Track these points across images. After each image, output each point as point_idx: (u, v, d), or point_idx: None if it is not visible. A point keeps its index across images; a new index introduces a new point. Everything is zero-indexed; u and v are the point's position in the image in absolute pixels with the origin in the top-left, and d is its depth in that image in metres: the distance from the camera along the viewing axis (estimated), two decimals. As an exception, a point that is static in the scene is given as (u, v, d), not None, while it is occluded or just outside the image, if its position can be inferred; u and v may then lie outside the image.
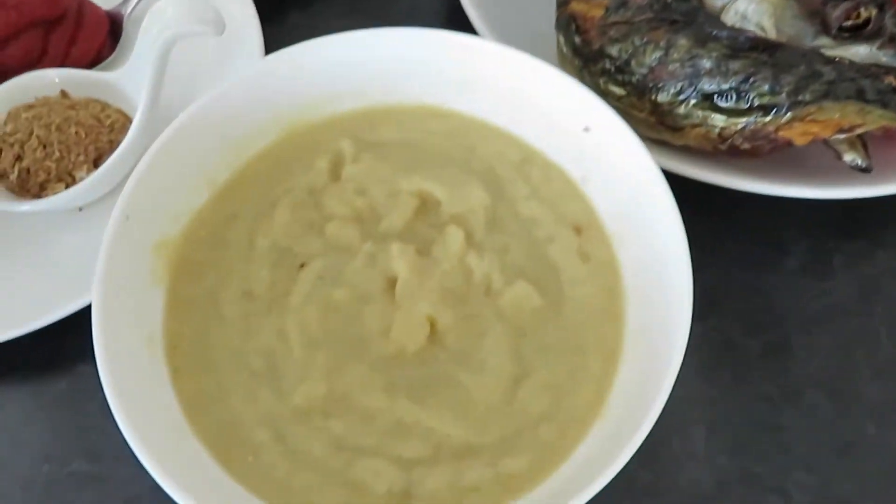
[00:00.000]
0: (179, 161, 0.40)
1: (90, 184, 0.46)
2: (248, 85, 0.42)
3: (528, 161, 0.43)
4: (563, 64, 0.47)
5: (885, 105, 0.40)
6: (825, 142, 0.42)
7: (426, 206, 0.42)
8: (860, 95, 0.40)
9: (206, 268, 0.40)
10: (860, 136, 0.42)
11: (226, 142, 0.42)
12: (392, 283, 0.39)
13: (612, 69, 0.44)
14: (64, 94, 0.50)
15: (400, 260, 0.39)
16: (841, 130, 0.40)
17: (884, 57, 0.42)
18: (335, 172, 0.43)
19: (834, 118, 0.40)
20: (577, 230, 0.41)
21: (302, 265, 0.40)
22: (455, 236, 0.40)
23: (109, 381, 0.33)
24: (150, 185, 0.39)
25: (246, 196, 0.42)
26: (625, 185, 0.40)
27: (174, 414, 0.37)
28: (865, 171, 0.42)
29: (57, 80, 0.50)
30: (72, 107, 0.49)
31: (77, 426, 0.45)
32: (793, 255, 0.48)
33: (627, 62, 0.44)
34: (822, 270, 0.48)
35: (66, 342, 0.47)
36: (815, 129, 0.40)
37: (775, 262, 0.48)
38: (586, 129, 0.41)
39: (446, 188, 0.41)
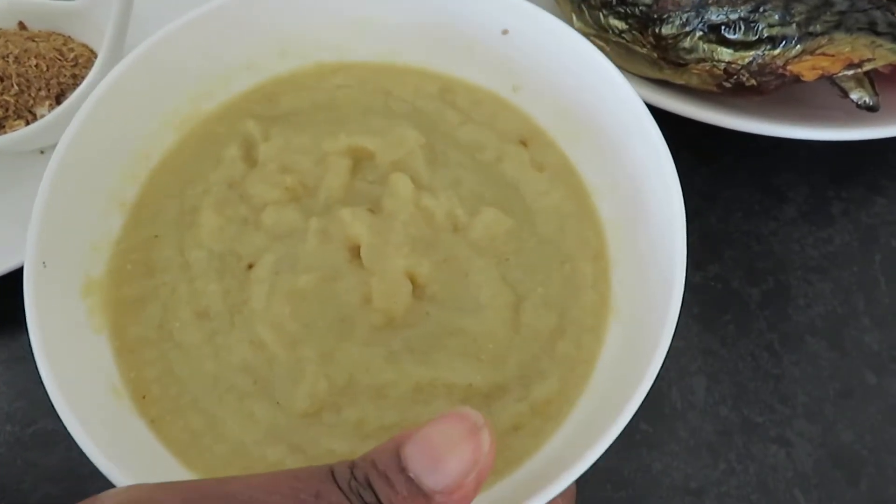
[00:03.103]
0: (81, 186, 0.35)
1: (52, 121, 0.42)
2: (125, 83, 0.37)
3: (449, 89, 0.41)
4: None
5: (895, 39, 0.39)
6: (831, 79, 0.41)
7: (359, 162, 0.39)
8: (872, 27, 0.39)
9: (145, 300, 0.35)
10: (867, 74, 0.41)
11: (123, 154, 0.37)
12: (355, 251, 0.36)
13: (614, 1, 0.42)
14: (22, 25, 0.46)
15: (355, 224, 0.36)
16: (850, 66, 0.39)
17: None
18: (250, 158, 0.39)
19: (844, 51, 0.39)
20: (523, 142, 0.39)
21: (250, 265, 0.36)
22: (401, 183, 0.37)
23: (85, 440, 0.29)
24: (56, 221, 0.33)
25: (162, 209, 0.37)
26: (562, 81, 0.38)
27: (168, 463, 0.32)
28: (872, 109, 0.41)
29: (12, 10, 0.45)
30: (31, 38, 0.44)
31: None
32: (792, 202, 0.47)
33: (630, -8, 0.41)
34: (821, 218, 0.47)
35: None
36: (824, 63, 0.39)
37: (775, 208, 0.47)
38: (504, 32, 0.39)
39: (375, 137, 0.38)
